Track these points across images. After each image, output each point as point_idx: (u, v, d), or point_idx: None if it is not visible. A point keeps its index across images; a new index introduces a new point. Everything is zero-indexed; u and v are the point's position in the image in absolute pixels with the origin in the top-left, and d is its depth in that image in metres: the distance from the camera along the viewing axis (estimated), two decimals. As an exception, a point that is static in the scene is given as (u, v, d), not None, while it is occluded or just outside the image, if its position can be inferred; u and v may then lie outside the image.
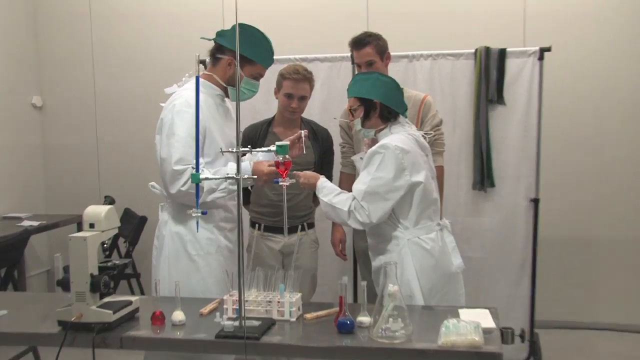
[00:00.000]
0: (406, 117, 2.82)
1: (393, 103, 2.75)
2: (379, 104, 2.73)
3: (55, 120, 5.49)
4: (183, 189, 2.56)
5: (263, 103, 4.10)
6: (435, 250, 2.64)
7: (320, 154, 3.42)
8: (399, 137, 2.68)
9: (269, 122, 3.41)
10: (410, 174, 2.60)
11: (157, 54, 5.21)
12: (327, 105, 4.05)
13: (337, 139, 3.63)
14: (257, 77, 2.78)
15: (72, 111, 5.45)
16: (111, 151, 5.43)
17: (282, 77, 3.28)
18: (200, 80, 2.74)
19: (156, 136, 2.70)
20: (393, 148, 2.59)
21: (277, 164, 2.25)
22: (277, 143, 2.17)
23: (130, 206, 5.07)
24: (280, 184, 2.22)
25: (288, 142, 2.25)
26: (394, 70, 3.84)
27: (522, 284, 4.01)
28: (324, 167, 3.40)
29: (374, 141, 2.80)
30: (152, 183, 2.81)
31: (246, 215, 3.56)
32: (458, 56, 4.03)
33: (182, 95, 2.65)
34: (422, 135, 2.80)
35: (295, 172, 2.75)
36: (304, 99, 3.29)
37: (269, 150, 2.17)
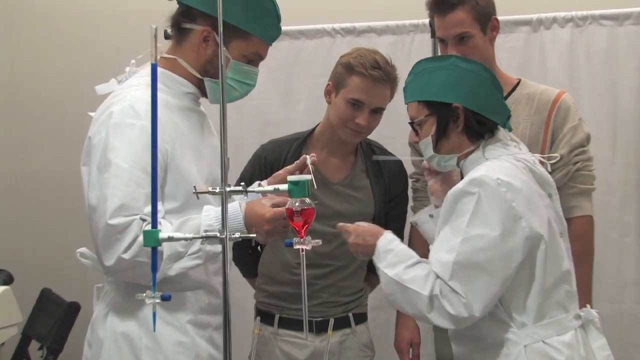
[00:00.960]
0: (510, 129, 2.86)
1: (486, 107, 2.78)
2: (463, 109, 2.77)
3: None
4: (126, 256, 2.53)
5: (279, 106, 4.28)
6: (574, 364, 2.64)
7: (386, 201, 3.48)
8: (500, 164, 2.70)
9: (303, 140, 3.50)
10: (529, 226, 2.61)
11: (87, 29, 5.25)
12: (389, 110, 3.78)
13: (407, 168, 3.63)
14: (255, 60, 2.83)
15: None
16: (17, 190, 5.38)
17: (348, 69, 3.32)
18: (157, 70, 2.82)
19: (82, 168, 2.72)
20: (494, 184, 2.59)
21: (289, 214, 2.26)
22: (290, 177, 2.20)
23: (52, 285, 4.88)
24: (297, 247, 2.22)
25: (309, 177, 2.24)
26: (505, 49, 3.95)
27: None
28: (389, 223, 3.41)
29: (447, 179, 2.89)
30: (82, 250, 2.83)
31: (246, 295, 3.57)
32: (622, 19, 4.10)
33: (125, 97, 2.67)
34: (540, 161, 2.83)
35: (340, 224, 2.82)
36: (378, 112, 3.36)
37: (276, 190, 2.21)
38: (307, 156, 2.81)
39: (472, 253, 2.56)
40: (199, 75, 2.80)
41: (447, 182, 2.86)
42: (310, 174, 2.51)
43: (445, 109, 2.77)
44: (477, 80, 2.77)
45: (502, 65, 3.49)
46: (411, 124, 2.87)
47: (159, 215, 2.53)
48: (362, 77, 3.25)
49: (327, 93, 3.41)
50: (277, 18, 2.82)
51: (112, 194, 2.53)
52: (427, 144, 2.81)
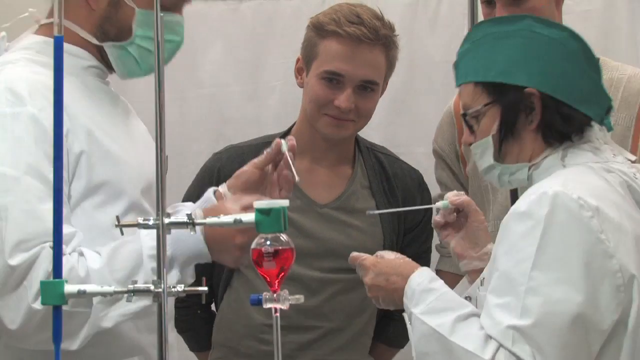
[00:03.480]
0: (610, 128, 2.54)
1: (574, 93, 2.45)
2: (540, 97, 2.42)
3: None
4: (37, 306, 2.16)
5: (242, 98, 4.01)
6: None
7: (400, 232, 3.18)
8: (584, 177, 2.37)
9: (276, 147, 3.23)
10: (622, 270, 2.27)
11: None
12: (401, 104, 3.86)
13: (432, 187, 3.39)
14: (174, 4, 2.57)
15: None
16: None
17: (318, 31, 3.04)
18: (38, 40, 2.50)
19: None
20: (574, 205, 2.27)
21: (256, 257, 1.90)
22: (258, 204, 1.88)
23: None
24: (267, 306, 1.91)
25: (286, 203, 1.89)
26: (577, 14, 3.77)
27: None
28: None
29: (476, 234, 2.63)
30: None
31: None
32: None
33: None
34: None
35: (355, 255, 2.48)
36: (369, 89, 3.02)
37: (237, 223, 1.92)
38: (282, 140, 2.48)
39: (552, 305, 2.23)
40: (95, 41, 2.52)
41: (476, 238, 2.58)
42: (289, 163, 2.47)
43: (514, 96, 2.44)
44: (563, 54, 2.49)
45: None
46: (464, 116, 2.52)
47: (75, 240, 2.22)
48: (337, 39, 2.98)
49: (298, 72, 3.12)
50: None
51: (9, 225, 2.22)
52: (484, 149, 2.49)
